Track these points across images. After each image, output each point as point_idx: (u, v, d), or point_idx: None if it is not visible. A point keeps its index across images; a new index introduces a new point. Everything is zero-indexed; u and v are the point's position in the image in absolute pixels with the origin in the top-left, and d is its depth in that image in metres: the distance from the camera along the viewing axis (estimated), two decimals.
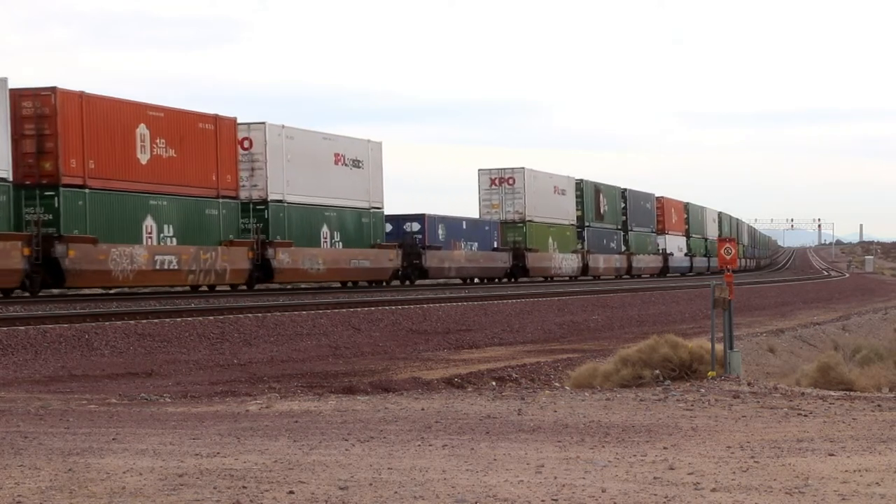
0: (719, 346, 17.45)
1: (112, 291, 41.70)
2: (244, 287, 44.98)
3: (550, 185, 74.52)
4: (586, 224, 79.31)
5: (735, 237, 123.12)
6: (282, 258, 46.09)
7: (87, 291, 41.52)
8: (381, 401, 14.10)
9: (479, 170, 71.04)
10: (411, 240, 58.66)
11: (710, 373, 16.70)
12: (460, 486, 8.18)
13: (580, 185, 79.18)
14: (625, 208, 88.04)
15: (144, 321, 25.97)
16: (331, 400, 14.38)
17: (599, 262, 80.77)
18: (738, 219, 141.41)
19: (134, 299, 36.53)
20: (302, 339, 25.92)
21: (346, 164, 51.80)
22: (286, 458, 9.47)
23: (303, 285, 52.29)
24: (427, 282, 60.71)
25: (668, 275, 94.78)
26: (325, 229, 50.02)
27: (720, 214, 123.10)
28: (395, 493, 7.96)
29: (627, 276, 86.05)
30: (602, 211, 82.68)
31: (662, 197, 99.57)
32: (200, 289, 43.54)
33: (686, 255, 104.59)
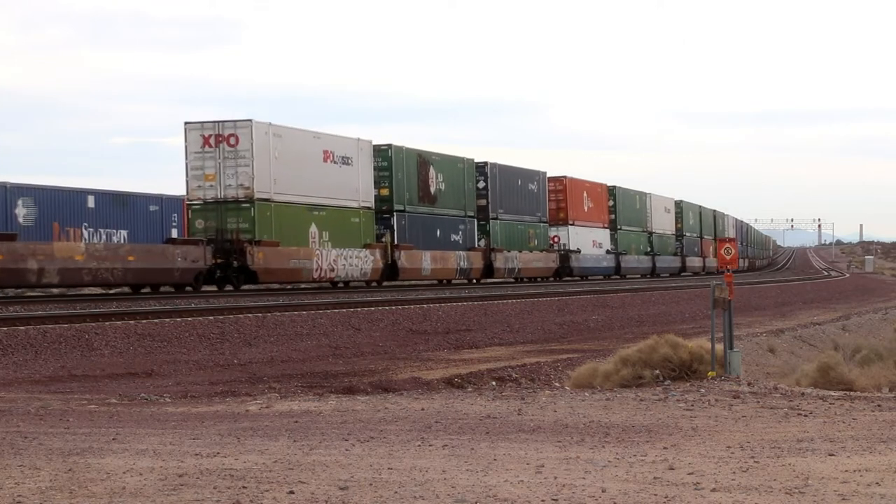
0: (719, 346, 17.45)
1: (112, 291, 41.66)
2: None
3: (317, 149, 49.65)
4: (398, 208, 54.19)
5: (713, 233, 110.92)
6: None
7: (87, 291, 41.50)
8: (381, 401, 14.10)
9: (187, 123, 45.92)
10: None
11: (710, 373, 16.71)
12: (460, 486, 8.18)
13: (386, 153, 54.03)
14: (485, 189, 63.27)
15: (144, 321, 25.98)
16: (331, 400, 14.38)
17: (421, 260, 55.29)
18: (715, 211, 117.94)
19: (134, 299, 36.52)
20: (302, 339, 25.92)
21: None
22: (286, 458, 9.47)
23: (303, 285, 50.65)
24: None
25: (571, 278, 72.43)
26: None
27: (680, 204, 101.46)
28: (395, 493, 7.96)
29: (491, 280, 63.49)
30: (433, 190, 57.36)
31: (565, 177, 74.61)
32: None
33: (610, 252, 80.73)
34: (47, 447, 10.18)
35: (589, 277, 75.94)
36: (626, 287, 58.41)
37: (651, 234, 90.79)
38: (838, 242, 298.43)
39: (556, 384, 18.46)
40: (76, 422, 12.40)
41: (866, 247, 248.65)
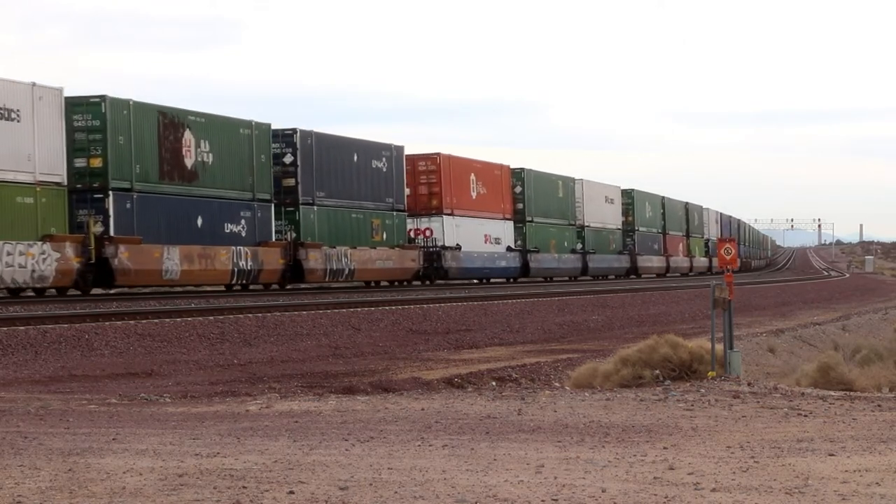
0: (719, 346, 17.46)
1: (112, 291, 41.65)
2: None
3: None
4: (119, 185, 38.54)
5: (683, 229, 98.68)
6: None
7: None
8: (381, 401, 14.10)
9: None
10: None
11: (710, 373, 16.71)
12: (460, 486, 8.18)
13: (97, 109, 38.10)
14: (293, 164, 47.23)
15: (144, 321, 25.98)
16: (331, 400, 14.38)
17: (161, 258, 39.68)
18: (688, 203, 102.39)
19: (134, 299, 36.52)
20: (302, 339, 25.93)
21: None
22: (286, 458, 9.47)
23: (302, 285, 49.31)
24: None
25: (445, 281, 57.84)
26: None
27: (630, 193, 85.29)
28: (395, 493, 7.96)
29: (296, 286, 47.82)
30: (192, 163, 41.87)
31: (438, 154, 58.15)
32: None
33: (513, 250, 64.90)
34: (47, 447, 10.18)
35: (491, 280, 63.73)
36: (626, 287, 58.39)
37: (583, 228, 75.24)
38: (838, 242, 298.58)
39: (556, 384, 18.45)
40: (76, 422, 12.40)
41: (866, 247, 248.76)
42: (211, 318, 27.71)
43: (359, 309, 32.11)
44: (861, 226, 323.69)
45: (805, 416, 12.25)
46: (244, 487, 8.17)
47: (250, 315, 28.75)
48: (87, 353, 21.85)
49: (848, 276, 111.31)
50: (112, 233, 37.92)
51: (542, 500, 7.70)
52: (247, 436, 10.96)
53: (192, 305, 31.57)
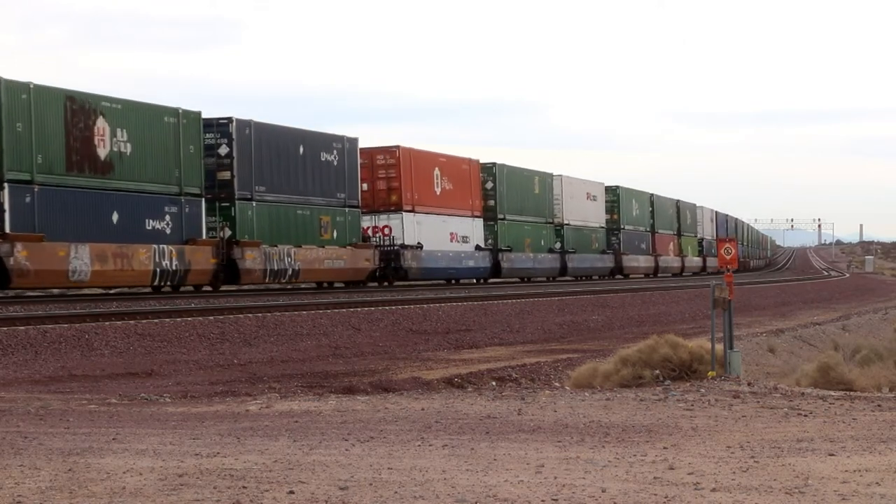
0: (719, 346, 17.47)
1: (112, 291, 41.64)
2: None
3: None
4: (17, 177, 34.00)
5: (675, 228, 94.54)
6: None
7: (87, 291, 41.52)
8: (381, 401, 14.10)
9: None
10: None
11: (710, 373, 16.72)
12: (460, 486, 8.18)
13: None
14: (229, 156, 42.49)
15: (144, 321, 25.99)
16: (331, 400, 14.38)
17: (67, 258, 34.99)
18: (679, 201, 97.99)
19: (134, 299, 36.52)
20: (302, 339, 25.93)
21: None
22: (286, 458, 9.48)
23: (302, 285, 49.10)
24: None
25: (406, 282, 53.88)
26: None
27: (615, 190, 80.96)
28: (395, 493, 7.96)
29: (232, 287, 44.64)
30: (105, 154, 36.92)
31: (398, 147, 53.80)
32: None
33: (482, 249, 60.13)
34: (47, 447, 10.18)
35: (461, 281, 60.20)
36: (626, 287, 58.36)
37: (562, 226, 70.63)
38: (838, 242, 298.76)
39: (556, 384, 18.46)
40: (76, 422, 12.40)
41: (866, 247, 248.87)
42: (211, 318, 27.72)
43: (359, 309, 32.12)
44: (861, 226, 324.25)
45: (805, 416, 12.25)
46: (244, 487, 8.17)
47: (250, 315, 28.76)
48: (87, 353, 21.86)
49: (848, 276, 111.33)
50: (8, 229, 33.40)
51: (542, 500, 7.70)
52: (247, 436, 10.96)
53: (192, 305, 31.57)
